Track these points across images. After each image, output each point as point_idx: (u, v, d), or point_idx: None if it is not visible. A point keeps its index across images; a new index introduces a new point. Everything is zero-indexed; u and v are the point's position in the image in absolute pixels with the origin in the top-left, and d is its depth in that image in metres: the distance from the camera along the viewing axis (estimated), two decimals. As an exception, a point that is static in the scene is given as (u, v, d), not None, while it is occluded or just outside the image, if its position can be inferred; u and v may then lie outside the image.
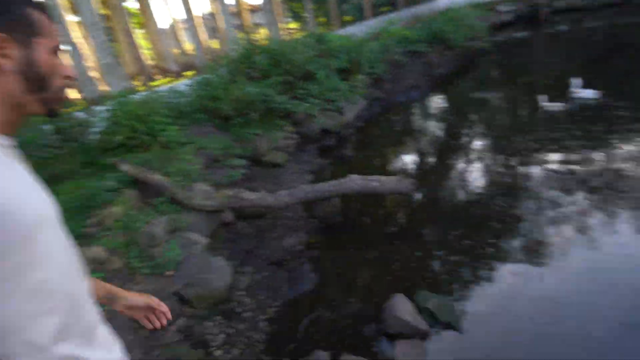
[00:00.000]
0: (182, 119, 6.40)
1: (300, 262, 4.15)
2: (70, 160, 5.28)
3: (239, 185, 5.51)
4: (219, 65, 7.49)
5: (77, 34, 12.80)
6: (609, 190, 4.04)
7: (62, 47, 0.89)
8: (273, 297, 3.76)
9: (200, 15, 21.98)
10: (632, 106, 5.65)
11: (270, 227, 4.78)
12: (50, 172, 4.92)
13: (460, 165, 5.41)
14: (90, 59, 13.29)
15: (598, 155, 4.71)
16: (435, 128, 7.04)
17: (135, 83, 15.62)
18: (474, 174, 5.08)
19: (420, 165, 5.70)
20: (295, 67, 7.10)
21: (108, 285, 1.25)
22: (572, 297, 2.91)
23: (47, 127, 5.43)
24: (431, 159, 5.80)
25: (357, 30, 11.51)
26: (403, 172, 5.64)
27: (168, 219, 4.22)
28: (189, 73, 18.31)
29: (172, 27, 21.47)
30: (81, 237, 3.91)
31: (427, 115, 8.05)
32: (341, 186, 4.33)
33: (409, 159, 6.01)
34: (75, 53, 12.58)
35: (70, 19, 13.24)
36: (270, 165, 6.17)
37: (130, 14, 21.28)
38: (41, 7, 0.87)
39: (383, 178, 4.27)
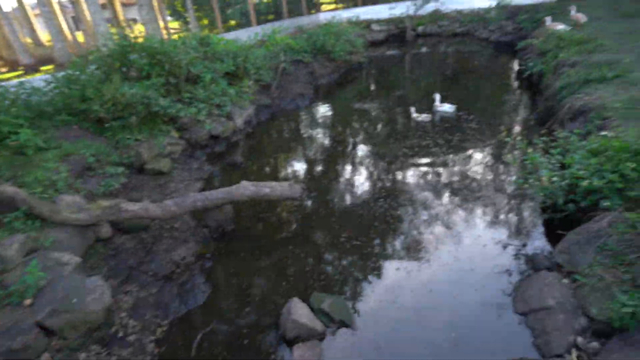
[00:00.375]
0: (40, 120, 5.50)
1: (191, 275, 3.94)
2: None
3: (118, 196, 4.98)
4: (87, 61, 6.63)
5: None
6: (467, 191, 4.80)
7: None
8: (162, 315, 3.49)
9: (57, 1, 19.12)
10: (479, 119, 6.83)
11: (156, 240, 4.42)
12: None
13: (346, 170, 5.81)
14: None
15: (458, 161, 5.56)
16: (321, 135, 7.41)
17: (-29, 75, 12.78)
18: (358, 178, 5.51)
19: (309, 171, 5.93)
20: (179, 68, 6.71)
21: None
22: (444, 285, 3.38)
23: None
24: (319, 165, 6.09)
25: (243, 35, 11.43)
26: (293, 177, 5.80)
27: (25, 237, 3.58)
28: (47, 67, 15.77)
29: (21, 12, 18.20)
30: None
31: (313, 122, 8.42)
32: (232, 193, 4.25)
33: (298, 165, 6.20)
34: None
35: None
36: (154, 173, 5.70)
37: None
38: None
39: (274, 184, 4.33)
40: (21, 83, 6.25)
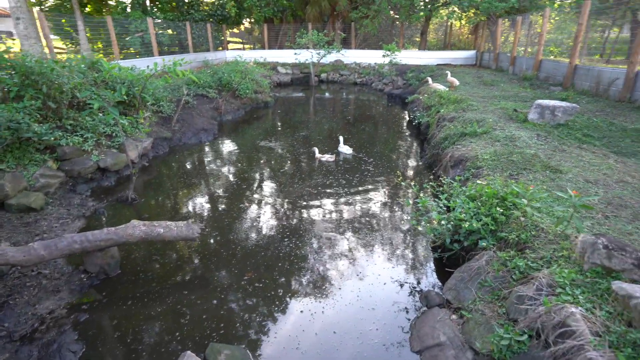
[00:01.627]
0: None
1: (60, 332, 3.30)
2: None
3: (-36, 237, 4.06)
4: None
5: None
6: (367, 230, 5.03)
7: None
8: (15, 386, 2.82)
9: None
10: (377, 162, 7.38)
11: (14, 290, 3.65)
12: None
13: (249, 208, 5.66)
14: None
15: (359, 200, 5.85)
16: (225, 171, 7.19)
17: None
18: (262, 217, 5.40)
19: (210, 209, 5.64)
20: (61, 92, 5.95)
21: None
22: (347, 325, 3.39)
23: None
24: (221, 203, 5.84)
25: (142, 64, 10.82)
26: (193, 215, 5.45)
27: None
28: None
29: None
30: None
31: (217, 158, 8.15)
32: (120, 234, 3.77)
33: (198, 202, 5.85)
34: None
35: None
36: (20, 210, 4.82)
37: None
38: None
39: (169, 223, 3.98)
40: None
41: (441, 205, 4.17)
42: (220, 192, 6.27)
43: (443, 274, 3.98)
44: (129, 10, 18.57)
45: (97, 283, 3.91)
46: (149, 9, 19.52)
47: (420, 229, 4.86)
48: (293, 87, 18.96)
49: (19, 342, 3.16)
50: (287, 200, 5.90)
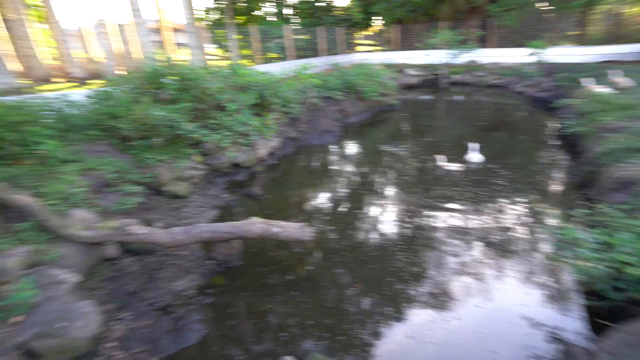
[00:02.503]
0: (70, 132, 5.63)
1: (189, 310, 3.74)
2: None
3: (133, 215, 4.93)
4: (125, 80, 6.87)
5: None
6: (494, 254, 4.46)
7: None
8: (151, 351, 3.28)
9: (116, 23, 20.47)
10: (512, 175, 6.52)
11: (160, 266, 4.28)
12: None
13: (366, 215, 5.59)
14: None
15: (487, 218, 5.25)
16: (345, 174, 7.27)
17: (23, 82, 13.60)
18: (378, 226, 5.27)
19: (327, 211, 5.75)
20: (208, 95, 6.83)
21: None
22: (471, 341, 3.03)
23: None
24: (338, 205, 5.91)
25: (278, 68, 11.72)
26: (310, 215, 5.62)
27: (30, 250, 3.52)
28: (97, 82, 16.64)
29: (87, 29, 19.56)
30: None
31: (339, 160, 8.32)
32: (240, 228, 4.09)
33: (317, 203, 6.04)
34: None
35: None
36: (171, 196, 5.67)
37: (27, 5, 18.90)
38: None
39: (284, 224, 4.15)
40: (63, 95, 6.50)
41: (596, 239, 3.38)
42: (339, 195, 6.35)
43: (594, 324, 3.23)
44: (273, 18, 20.43)
45: (220, 270, 4.33)
46: (289, 16, 21.15)
47: (564, 263, 4.07)
48: (421, 90, 18.23)
49: (159, 312, 3.68)
50: (406, 210, 5.63)
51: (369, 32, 30.00)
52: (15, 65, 16.44)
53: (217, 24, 20.92)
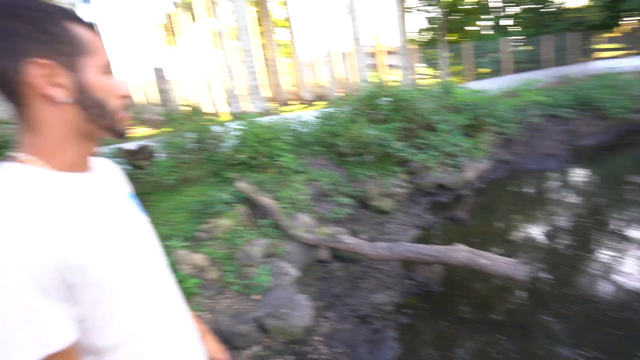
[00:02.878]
0: (301, 147, 6.70)
1: (385, 324, 3.83)
2: (201, 168, 5.89)
3: (342, 224, 5.46)
4: (344, 102, 7.74)
5: (235, 58, 14.74)
6: None
7: (111, 63, 0.81)
8: (350, 355, 3.51)
9: (340, 52, 23.50)
10: None
11: (362, 276, 4.57)
12: (184, 175, 5.55)
13: (602, 260, 4.48)
14: (241, 80, 15.13)
15: None
16: (571, 207, 6.06)
17: (271, 105, 17.19)
18: (616, 276, 4.14)
19: (546, 248, 4.89)
20: (418, 115, 6.92)
21: (200, 326, 1.21)
22: None
23: (190, 135, 6.18)
24: (561, 243, 4.95)
25: (492, 85, 10.86)
26: (522, 250, 4.91)
27: (267, 242, 4.34)
28: (321, 103, 19.55)
29: (317, 59, 23.35)
30: (192, 240, 4.25)
31: (562, 189, 7.02)
32: (444, 254, 3.92)
33: (531, 236, 5.23)
34: (231, 74, 14.47)
35: (233, 44, 15.37)
36: (376, 211, 6.00)
37: (279, 45, 23.79)
38: (80, 20, 0.76)
39: (495, 257, 3.73)
40: (297, 116, 7.85)
41: None
42: (561, 230, 5.34)
43: None
44: (489, 32, 19.21)
45: (418, 292, 4.26)
46: (508, 28, 19.42)
47: None
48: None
49: (358, 319, 3.91)
50: (664, 263, 4.25)
51: (614, 34, 24.42)
52: (266, 93, 20.90)
53: (428, 44, 21.19)
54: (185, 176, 5.53)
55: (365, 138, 6.17)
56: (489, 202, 6.68)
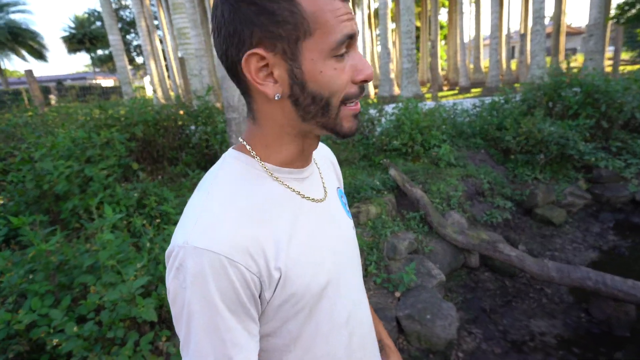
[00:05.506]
0: (457, 138, 6.14)
1: (544, 359, 3.23)
2: (352, 150, 5.94)
3: (497, 229, 4.86)
4: (513, 91, 6.72)
5: (390, 40, 14.43)
6: None
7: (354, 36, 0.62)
8: (497, 383, 3.09)
9: (505, 33, 20.80)
10: None
11: (519, 294, 3.97)
12: (336, 156, 5.68)
13: None
14: (395, 62, 14.83)
15: None
16: None
17: (423, 89, 16.41)
18: None
19: None
20: (619, 111, 5.51)
21: (382, 334, 1.10)
22: None
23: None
24: None
25: None
26: None
27: (413, 237, 4.11)
28: (476, 90, 17.82)
29: (475, 42, 21.25)
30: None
31: None
32: (647, 293, 3.05)
33: None
34: (386, 55, 14.27)
35: (390, 26, 15.05)
36: (541, 221, 5.13)
37: (441, 27, 22.39)
38: None
39: None
40: (454, 104, 7.22)
41: None
42: None
43: None
44: None
45: (596, 331, 3.47)
46: None
47: None
48: None
49: (510, 344, 3.41)
50: None
51: None
52: (421, 76, 20.05)
53: (634, 20, 16.89)
54: (338, 157, 5.65)
55: (540, 134, 5.26)
56: None
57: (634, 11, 17.22)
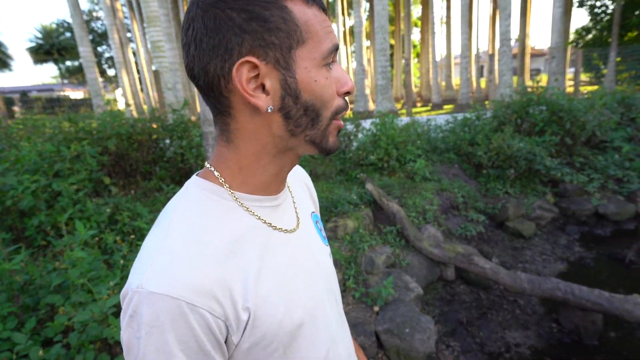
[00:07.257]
0: (432, 153, 6.30)
1: (520, 371, 3.30)
2: (329, 165, 5.97)
3: (471, 242, 4.97)
4: (484, 108, 7.00)
5: (366, 57, 14.78)
6: None
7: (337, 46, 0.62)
8: (474, 396, 3.12)
9: (475, 53, 21.75)
10: None
11: (493, 306, 4.05)
12: (313, 170, 5.70)
13: None
14: (370, 79, 15.17)
15: None
16: None
17: (397, 105, 16.83)
18: None
19: None
20: (581, 129, 5.83)
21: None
22: None
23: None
24: None
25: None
26: None
27: (391, 251, 4.15)
28: (448, 107, 18.42)
29: (446, 60, 22.09)
30: (315, 237, 4.30)
31: None
32: (612, 304, 3.18)
33: None
34: (362, 72, 14.59)
35: (365, 44, 15.44)
36: (512, 233, 5.30)
37: (414, 46, 23.19)
38: None
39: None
40: (428, 120, 7.42)
41: None
42: None
43: None
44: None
45: (566, 341, 3.57)
46: None
47: None
48: None
49: (487, 356, 3.46)
50: None
51: None
52: (395, 92, 20.57)
53: (591, 44, 18.08)
54: (315, 171, 5.67)
55: (509, 150, 5.47)
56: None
57: (590, 36, 18.43)
